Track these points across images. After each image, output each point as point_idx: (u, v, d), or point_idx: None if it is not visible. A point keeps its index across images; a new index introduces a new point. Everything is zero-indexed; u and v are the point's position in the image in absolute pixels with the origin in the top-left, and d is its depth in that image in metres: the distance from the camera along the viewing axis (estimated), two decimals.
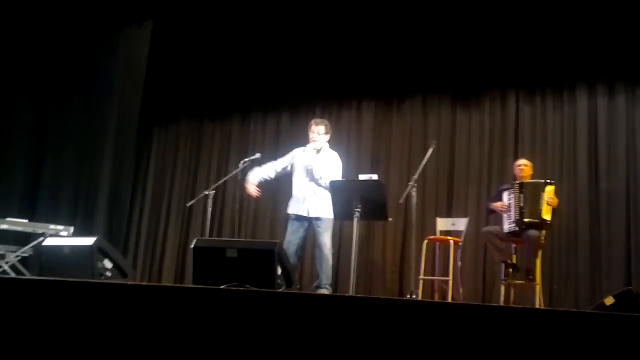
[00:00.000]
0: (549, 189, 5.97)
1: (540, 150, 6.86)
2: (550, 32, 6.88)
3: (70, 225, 7.30)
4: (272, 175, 6.15)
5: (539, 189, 5.99)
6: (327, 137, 6.06)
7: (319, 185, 5.85)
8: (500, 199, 6.25)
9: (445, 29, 7.32)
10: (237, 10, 8.05)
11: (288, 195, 6.15)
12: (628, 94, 6.61)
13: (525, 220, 5.95)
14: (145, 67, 8.37)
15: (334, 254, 6.21)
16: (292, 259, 5.69)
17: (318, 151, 6.01)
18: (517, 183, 6.12)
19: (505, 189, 6.25)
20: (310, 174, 5.92)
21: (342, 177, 6.06)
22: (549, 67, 6.94)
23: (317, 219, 5.84)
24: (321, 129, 6.01)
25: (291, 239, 5.89)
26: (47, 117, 8.71)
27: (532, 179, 6.20)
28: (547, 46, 6.91)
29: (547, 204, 5.91)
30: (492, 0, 7.08)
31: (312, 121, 6.15)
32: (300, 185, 5.98)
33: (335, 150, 6.15)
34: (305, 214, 5.88)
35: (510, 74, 7.13)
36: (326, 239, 5.81)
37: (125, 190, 8.41)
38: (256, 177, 6.07)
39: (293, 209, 5.98)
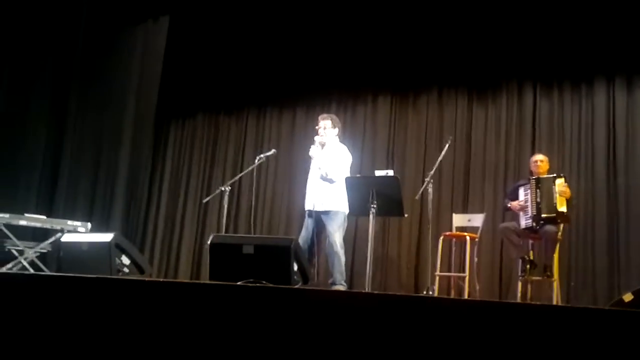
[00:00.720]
0: (559, 182, 5.94)
1: (557, 145, 6.81)
2: (569, 25, 6.82)
3: (87, 221, 7.34)
4: None
5: (550, 184, 5.96)
6: (336, 131, 6.03)
7: (324, 179, 5.83)
8: (516, 195, 6.22)
9: (462, 22, 7.28)
10: (253, 4, 8.06)
11: (303, 191, 6.15)
12: None
13: (543, 215, 5.92)
14: (162, 61, 8.41)
15: (348, 250, 6.20)
16: (306, 254, 5.69)
17: (323, 146, 6.00)
18: (534, 178, 6.08)
19: (522, 185, 6.21)
20: (315, 168, 5.94)
21: (357, 173, 6.04)
22: (567, 61, 6.88)
23: (325, 213, 5.80)
24: (327, 123, 6.00)
25: (303, 234, 5.90)
26: (64, 112, 8.76)
27: (548, 174, 6.15)
28: (565, 39, 6.85)
29: (560, 195, 5.89)
30: None
31: (320, 116, 6.15)
32: (309, 181, 6.01)
33: (351, 145, 6.13)
34: (312, 208, 5.87)
35: (527, 67, 7.08)
36: (336, 237, 5.76)
37: (142, 186, 8.46)
38: None
39: (305, 204, 6.00)
